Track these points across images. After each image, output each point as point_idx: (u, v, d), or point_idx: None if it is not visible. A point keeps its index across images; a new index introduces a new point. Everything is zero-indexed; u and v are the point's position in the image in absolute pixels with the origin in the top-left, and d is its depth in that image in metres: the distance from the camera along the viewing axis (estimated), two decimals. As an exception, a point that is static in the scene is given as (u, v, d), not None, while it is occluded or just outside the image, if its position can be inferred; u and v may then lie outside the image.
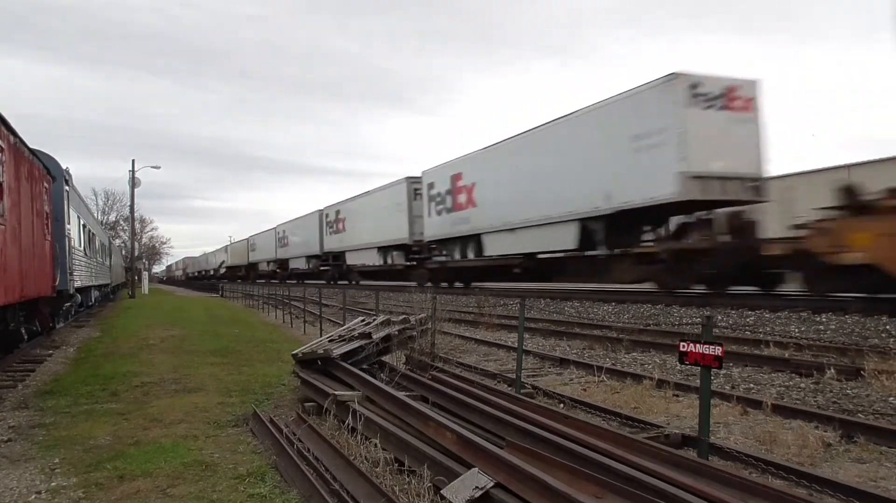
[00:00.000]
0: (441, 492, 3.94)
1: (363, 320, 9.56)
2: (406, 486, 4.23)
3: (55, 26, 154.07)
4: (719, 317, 12.18)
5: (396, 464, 4.74)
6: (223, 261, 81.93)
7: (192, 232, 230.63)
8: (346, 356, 7.66)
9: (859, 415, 6.08)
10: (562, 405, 6.68)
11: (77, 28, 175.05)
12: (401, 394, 6.05)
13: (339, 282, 41.71)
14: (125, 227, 71.42)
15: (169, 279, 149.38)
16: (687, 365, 4.81)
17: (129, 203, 48.57)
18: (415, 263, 30.97)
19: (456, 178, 26.40)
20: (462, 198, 25.88)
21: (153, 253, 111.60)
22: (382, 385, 6.53)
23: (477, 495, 3.76)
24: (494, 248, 23.95)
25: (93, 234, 23.67)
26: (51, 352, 12.88)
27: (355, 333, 8.39)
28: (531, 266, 22.52)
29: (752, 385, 7.61)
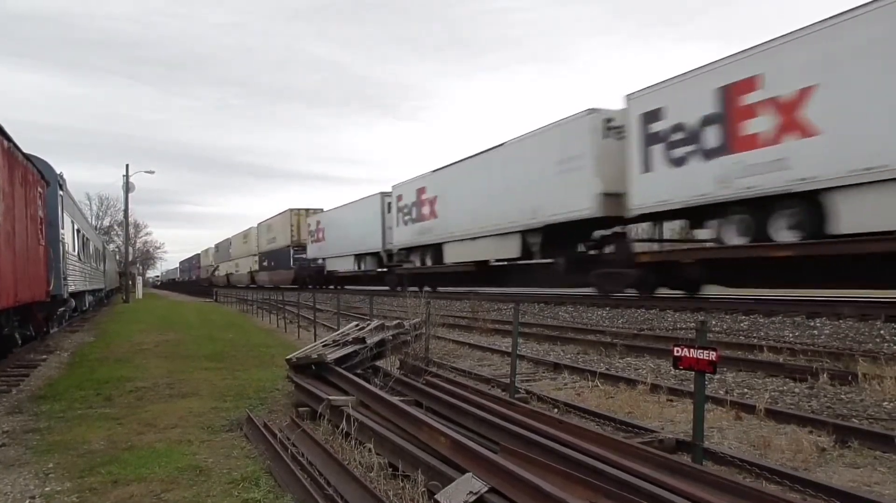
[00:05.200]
0: (435, 496, 3.94)
1: (357, 325, 9.55)
2: (400, 491, 4.23)
3: (35, 35, 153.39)
4: (713, 322, 12.21)
5: (390, 469, 4.74)
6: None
7: (183, 237, 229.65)
8: (340, 361, 7.65)
9: (853, 419, 6.09)
10: (556, 410, 6.68)
11: (57, 36, 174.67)
12: (395, 399, 6.05)
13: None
14: (119, 232, 71.06)
15: (189, 283, 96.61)
16: (681, 370, 4.82)
17: (122, 208, 48.19)
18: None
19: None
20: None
21: (147, 258, 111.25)
22: (376, 390, 6.52)
23: (471, 500, 3.76)
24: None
25: (87, 238, 23.61)
26: (45, 356, 12.82)
27: (349, 338, 8.39)
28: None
29: (746, 390, 7.62)
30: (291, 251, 46.37)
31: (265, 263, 52.96)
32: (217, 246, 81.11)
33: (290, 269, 45.99)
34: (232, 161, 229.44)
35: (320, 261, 42.37)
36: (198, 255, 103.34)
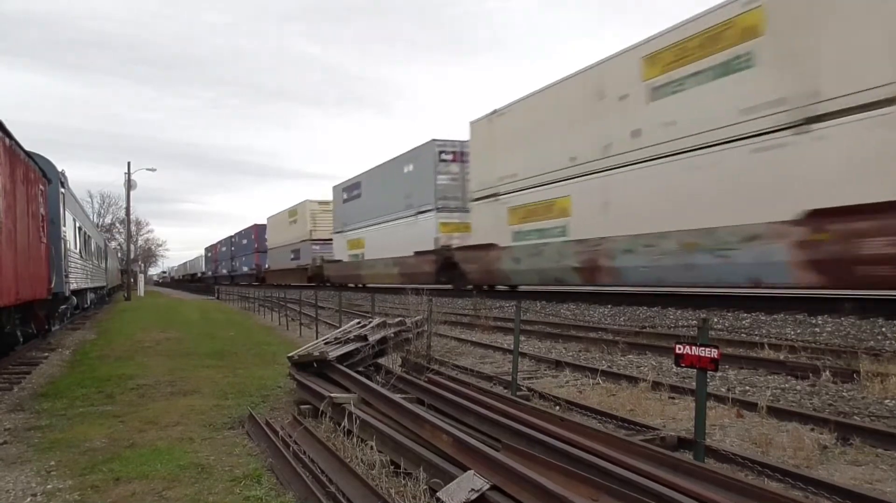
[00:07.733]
0: (437, 494, 3.94)
1: (359, 323, 9.55)
2: (402, 489, 4.23)
3: (34, 36, 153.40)
4: (715, 320, 12.20)
5: (392, 467, 4.73)
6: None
7: (178, 235, 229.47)
8: (341, 359, 7.65)
9: (855, 417, 6.09)
10: (557, 407, 6.68)
11: (56, 38, 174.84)
12: (396, 397, 6.04)
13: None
14: (121, 230, 71.09)
15: (230, 280, 62.22)
16: (683, 367, 4.82)
17: (123, 205, 47.99)
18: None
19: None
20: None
21: (149, 255, 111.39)
22: (378, 387, 6.52)
23: (473, 498, 3.75)
24: None
25: (88, 236, 23.60)
26: (46, 354, 12.83)
27: (351, 336, 8.38)
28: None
29: (747, 387, 7.62)
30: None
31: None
32: (350, 187, 34.50)
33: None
34: (227, 159, 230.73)
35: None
36: (255, 230, 56.25)
